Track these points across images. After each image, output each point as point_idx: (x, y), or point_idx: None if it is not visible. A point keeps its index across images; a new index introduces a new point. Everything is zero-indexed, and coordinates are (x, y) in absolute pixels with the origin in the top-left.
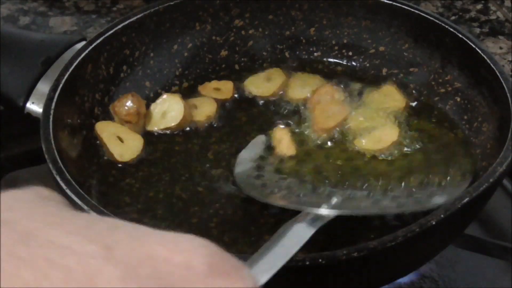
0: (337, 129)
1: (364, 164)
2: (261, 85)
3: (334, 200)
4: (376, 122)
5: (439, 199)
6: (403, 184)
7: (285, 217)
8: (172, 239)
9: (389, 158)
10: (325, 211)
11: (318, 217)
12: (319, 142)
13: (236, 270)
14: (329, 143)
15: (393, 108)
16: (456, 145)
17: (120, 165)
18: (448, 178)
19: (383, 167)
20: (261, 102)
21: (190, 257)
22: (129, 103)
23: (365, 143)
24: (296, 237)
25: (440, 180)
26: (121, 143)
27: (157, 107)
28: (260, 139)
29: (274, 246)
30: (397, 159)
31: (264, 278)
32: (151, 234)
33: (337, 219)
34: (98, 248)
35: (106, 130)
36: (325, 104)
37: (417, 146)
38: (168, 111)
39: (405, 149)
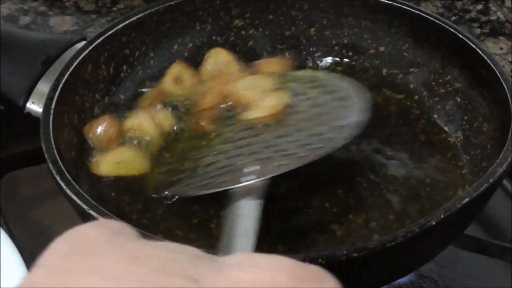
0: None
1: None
2: None
3: (253, 168)
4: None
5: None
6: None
7: (284, 217)
8: (250, 262)
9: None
10: (250, 181)
11: (252, 190)
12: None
13: (317, 274)
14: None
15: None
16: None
17: None
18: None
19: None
20: None
21: (273, 275)
22: (100, 128)
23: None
24: (248, 214)
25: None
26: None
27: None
28: None
29: (235, 231)
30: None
31: None
32: (230, 262)
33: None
34: (186, 282)
35: None
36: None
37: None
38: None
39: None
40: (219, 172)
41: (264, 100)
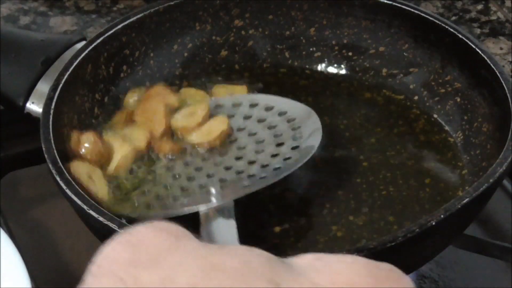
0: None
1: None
2: None
3: (213, 190)
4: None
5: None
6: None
7: (286, 218)
8: (324, 264)
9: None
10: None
11: (223, 209)
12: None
13: (393, 272)
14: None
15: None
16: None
17: None
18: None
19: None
20: None
21: (352, 275)
22: (86, 145)
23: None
24: (228, 234)
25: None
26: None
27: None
28: None
29: None
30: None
31: None
32: (302, 263)
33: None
34: (268, 285)
35: (80, 172)
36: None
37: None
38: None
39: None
40: (181, 194)
41: (206, 125)
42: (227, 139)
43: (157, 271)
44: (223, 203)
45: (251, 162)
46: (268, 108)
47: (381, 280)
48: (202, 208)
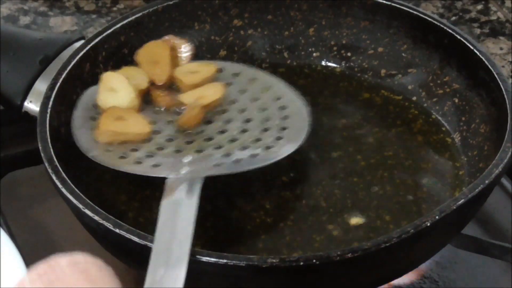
0: None
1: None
2: None
3: (186, 159)
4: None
5: (289, 146)
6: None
7: (282, 217)
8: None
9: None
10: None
11: (190, 186)
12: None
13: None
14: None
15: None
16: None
17: None
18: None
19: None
20: None
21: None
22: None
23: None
24: (185, 216)
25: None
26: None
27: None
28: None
29: (173, 235)
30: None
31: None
32: None
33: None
34: None
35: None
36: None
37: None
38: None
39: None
40: (156, 152)
41: (202, 88)
42: (216, 107)
43: None
44: (191, 177)
45: (232, 140)
46: (265, 89)
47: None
48: (169, 176)
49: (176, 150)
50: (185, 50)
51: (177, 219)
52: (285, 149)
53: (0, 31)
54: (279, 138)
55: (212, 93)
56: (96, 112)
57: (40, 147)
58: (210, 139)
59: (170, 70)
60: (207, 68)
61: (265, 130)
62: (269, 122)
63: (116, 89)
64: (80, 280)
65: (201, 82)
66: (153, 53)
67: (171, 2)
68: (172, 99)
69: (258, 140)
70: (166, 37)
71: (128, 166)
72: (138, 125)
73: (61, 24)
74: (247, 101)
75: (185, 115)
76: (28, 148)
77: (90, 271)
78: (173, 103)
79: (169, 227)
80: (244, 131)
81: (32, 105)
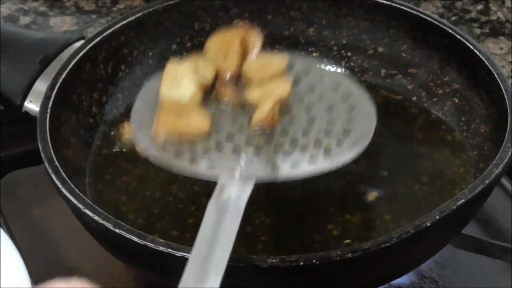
0: None
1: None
2: None
3: (244, 160)
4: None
5: (350, 152)
6: (309, 134)
7: (282, 217)
8: None
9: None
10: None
11: (240, 192)
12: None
13: None
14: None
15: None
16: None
17: (117, 163)
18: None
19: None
20: None
21: None
22: None
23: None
24: (228, 228)
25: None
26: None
27: None
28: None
29: (214, 246)
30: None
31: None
32: None
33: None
34: None
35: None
36: None
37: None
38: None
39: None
40: (214, 152)
41: (269, 85)
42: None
43: None
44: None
45: (293, 142)
46: (335, 88)
47: None
48: (223, 176)
49: (233, 150)
50: (255, 40)
51: (221, 225)
52: (347, 156)
53: (0, 31)
54: (340, 143)
55: (280, 90)
56: (157, 105)
57: (40, 147)
58: (269, 140)
59: (238, 62)
60: (277, 62)
61: (328, 133)
62: (333, 125)
63: (179, 81)
64: None
65: (269, 78)
66: (223, 43)
67: (171, 2)
68: (238, 95)
69: (319, 143)
70: (238, 24)
71: (183, 167)
72: (198, 121)
73: (61, 24)
74: (315, 100)
75: (259, 113)
76: (28, 148)
77: None
78: (238, 99)
79: (211, 233)
80: (305, 133)
81: (32, 105)
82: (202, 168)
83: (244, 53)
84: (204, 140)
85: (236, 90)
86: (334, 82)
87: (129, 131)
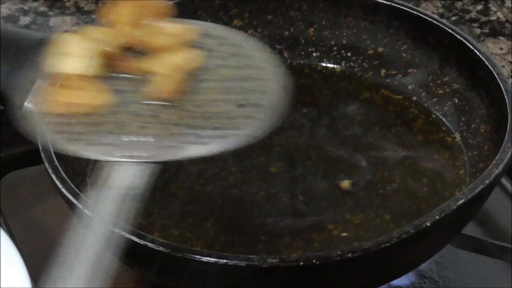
0: None
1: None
2: None
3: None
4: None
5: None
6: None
7: (283, 217)
8: None
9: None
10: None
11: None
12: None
13: None
14: None
15: None
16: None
17: None
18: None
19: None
20: None
21: None
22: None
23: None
24: None
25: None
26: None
27: None
28: None
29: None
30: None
31: None
32: None
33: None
34: None
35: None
36: None
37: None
38: None
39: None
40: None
41: (176, 53)
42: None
43: None
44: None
45: (196, 118)
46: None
47: None
48: (122, 160)
49: (139, 127)
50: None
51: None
52: (255, 131)
53: (0, 31)
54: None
55: (190, 59)
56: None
57: (40, 147)
58: (174, 114)
59: (134, 29)
60: (184, 31)
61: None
62: (239, 96)
63: (70, 52)
64: None
65: (172, 46)
66: (121, 12)
67: (171, 2)
68: (139, 65)
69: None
70: None
71: (79, 151)
72: (97, 94)
73: (61, 24)
74: (217, 71)
75: (159, 85)
76: (28, 148)
77: None
78: (140, 70)
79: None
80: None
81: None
82: (100, 152)
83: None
84: (106, 117)
85: (138, 61)
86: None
87: None
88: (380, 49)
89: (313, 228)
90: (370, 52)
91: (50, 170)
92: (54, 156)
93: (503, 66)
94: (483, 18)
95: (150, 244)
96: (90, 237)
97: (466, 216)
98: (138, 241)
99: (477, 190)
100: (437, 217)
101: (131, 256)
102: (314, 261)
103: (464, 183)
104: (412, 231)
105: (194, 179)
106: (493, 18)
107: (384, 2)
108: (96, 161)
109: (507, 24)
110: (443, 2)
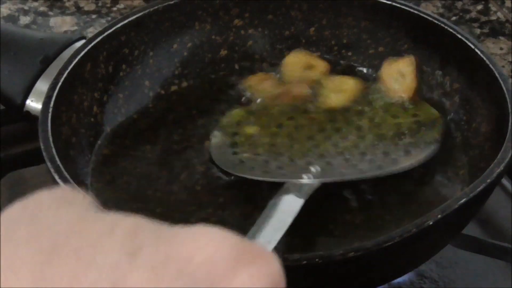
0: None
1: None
2: None
3: (314, 169)
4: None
5: (414, 159)
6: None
7: None
8: (193, 236)
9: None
10: (307, 180)
11: (303, 188)
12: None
13: (260, 256)
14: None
15: None
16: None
17: (118, 163)
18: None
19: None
20: None
21: (212, 253)
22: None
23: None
24: (287, 209)
25: (410, 137)
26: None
27: None
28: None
29: (269, 220)
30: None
31: None
32: (173, 233)
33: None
34: (120, 256)
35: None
36: None
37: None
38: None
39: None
40: (281, 162)
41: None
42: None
43: (27, 229)
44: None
45: (356, 148)
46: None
47: (242, 260)
48: (290, 181)
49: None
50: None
51: (277, 214)
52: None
53: (0, 31)
54: (407, 152)
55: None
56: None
57: (42, 147)
58: (336, 145)
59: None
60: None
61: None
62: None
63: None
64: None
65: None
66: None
67: (171, 2)
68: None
69: (386, 152)
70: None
71: (259, 175)
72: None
73: (61, 24)
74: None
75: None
76: (28, 148)
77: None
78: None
79: (262, 220)
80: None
81: (33, 105)
82: (273, 175)
83: None
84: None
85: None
86: None
87: None
88: (380, 49)
89: (313, 228)
90: (371, 51)
91: (52, 170)
92: (56, 155)
93: (503, 66)
94: (483, 18)
95: None
96: None
97: (468, 216)
98: None
99: (478, 190)
100: (439, 216)
101: None
102: (316, 260)
103: (465, 182)
104: (413, 230)
105: (195, 179)
106: (493, 18)
107: (385, 1)
108: (96, 161)
109: (507, 24)
110: (443, 2)
